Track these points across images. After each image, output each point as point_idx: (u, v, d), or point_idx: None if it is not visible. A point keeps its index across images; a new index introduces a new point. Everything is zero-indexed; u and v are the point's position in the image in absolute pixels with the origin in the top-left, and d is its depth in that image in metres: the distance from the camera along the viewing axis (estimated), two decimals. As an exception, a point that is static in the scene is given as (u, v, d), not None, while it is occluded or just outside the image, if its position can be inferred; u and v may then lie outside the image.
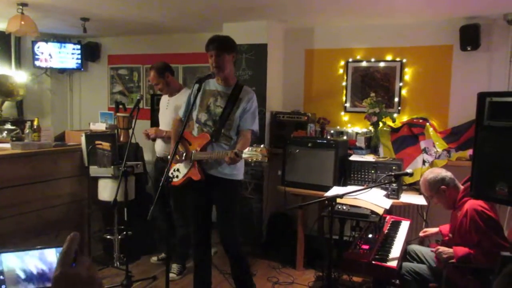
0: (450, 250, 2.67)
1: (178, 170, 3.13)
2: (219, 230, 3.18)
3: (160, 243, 4.40)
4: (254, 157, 2.60)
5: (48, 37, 5.78)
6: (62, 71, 6.12)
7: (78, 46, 5.95)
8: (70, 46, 5.90)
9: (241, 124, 3.00)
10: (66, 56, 5.87)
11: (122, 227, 3.93)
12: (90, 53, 6.05)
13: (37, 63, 5.66)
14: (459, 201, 2.77)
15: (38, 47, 5.63)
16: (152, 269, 4.06)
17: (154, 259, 4.26)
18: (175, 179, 3.13)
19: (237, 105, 3.00)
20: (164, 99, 4.05)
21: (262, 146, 2.63)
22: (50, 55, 5.71)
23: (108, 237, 4.11)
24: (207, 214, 3.17)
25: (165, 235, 4.11)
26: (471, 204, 2.59)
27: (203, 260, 3.25)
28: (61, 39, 5.94)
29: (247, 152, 2.63)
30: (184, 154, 3.03)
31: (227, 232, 3.10)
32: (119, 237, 4.02)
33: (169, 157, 3.28)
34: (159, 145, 4.00)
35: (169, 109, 3.96)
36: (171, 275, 3.87)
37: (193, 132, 3.13)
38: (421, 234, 3.11)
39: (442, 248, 2.72)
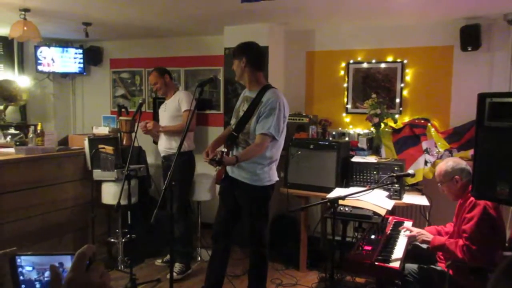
0: (431, 235, 2.81)
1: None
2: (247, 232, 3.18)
3: (164, 245, 4.37)
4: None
5: (51, 42, 5.81)
6: (64, 75, 6.15)
7: (80, 51, 5.98)
8: (72, 51, 5.93)
9: (256, 128, 2.90)
10: (68, 60, 5.90)
11: (126, 230, 3.95)
12: (92, 57, 6.08)
13: (39, 67, 5.69)
14: (468, 192, 2.75)
15: (41, 52, 5.66)
16: (156, 271, 4.07)
17: (158, 261, 4.28)
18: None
19: (257, 109, 2.92)
20: (164, 103, 4.18)
21: (221, 151, 2.77)
22: (52, 59, 5.75)
23: (112, 240, 4.13)
24: (232, 212, 3.14)
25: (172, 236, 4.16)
26: None
27: (218, 255, 3.21)
28: (63, 43, 5.97)
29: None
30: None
31: (250, 233, 3.10)
32: (123, 240, 4.04)
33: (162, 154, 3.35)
34: (161, 144, 4.11)
35: (166, 111, 4.12)
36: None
37: None
38: (406, 233, 3.06)
39: (424, 231, 2.89)
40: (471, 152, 3.82)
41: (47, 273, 0.85)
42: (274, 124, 2.84)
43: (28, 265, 0.85)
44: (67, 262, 0.84)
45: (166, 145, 4.08)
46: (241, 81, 3.10)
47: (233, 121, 3.11)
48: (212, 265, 3.23)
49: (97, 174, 3.96)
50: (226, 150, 2.96)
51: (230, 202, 3.12)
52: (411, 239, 2.94)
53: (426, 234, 2.86)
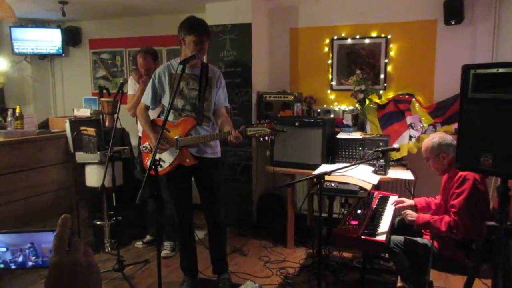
0: (415, 214, 2.83)
1: (161, 159, 3.08)
2: (206, 207, 3.22)
3: (148, 226, 4.32)
4: (261, 132, 2.66)
5: (27, 22, 5.63)
6: (42, 57, 5.98)
7: (58, 31, 5.80)
8: (49, 31, 5.75)
9: (217, 102, 3.08)
10: (46, 41, 5.73)
11: (112, 212, 3.91)
12: (70, 37, 5.91)
13: (16, 49, 5.52)
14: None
15: (17, 33, 5.48)
16: (143, 253, 4.06)
17: (139, 243, 4.22)
18: (159, 169, 3.09)
19: (209, 84, 3.04)
20: (135, 84, 3.91)
21: (267, 120, 2.68)
22: (29, 40, 5.57)
23: (98, 223, 4.09)
24: (189, 196, 3.22)
25: (154, 217, 4.12)
26: (467, 172, 2.60)
27: (188, 241, 3.30)
28: (40, 24, 5.78)
29: (252, 130, 2.68)
30: (167, 142, 2.97)
31: (216, 208, 3.18)
32: (109, 222, 4.00)
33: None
34: None
35: None
36: (165, 252, 3.92)
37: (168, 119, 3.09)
38: (396, 206, 3.09)
39: (409, 211, 2.90)
40: (454, 126, 3.85)
41: (21, 256, 0.83)
42: (227, 96, 3.17)
43: (1, 246, 0.82)
44: (44, 239, 0.81)
45: None
46: (199, 59, 3.00)
47: (180, 102, 3.01)
48: (186, 252, 3.31)
49: (80, 156, 3.89)
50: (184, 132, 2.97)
51: (186, 186, 3.18)
52: (397, 212, 2.98)
53: (411, 214, 2.86)
